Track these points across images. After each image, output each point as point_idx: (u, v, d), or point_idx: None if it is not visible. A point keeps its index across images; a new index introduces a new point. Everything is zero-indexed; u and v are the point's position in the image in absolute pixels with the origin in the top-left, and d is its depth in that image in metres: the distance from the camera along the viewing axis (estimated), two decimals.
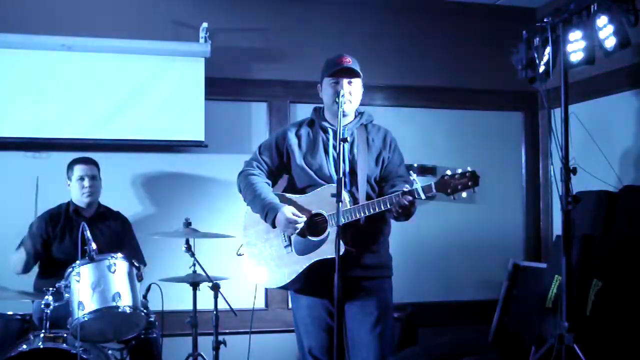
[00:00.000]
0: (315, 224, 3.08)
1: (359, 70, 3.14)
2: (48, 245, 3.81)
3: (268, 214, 3.09)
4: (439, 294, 4.80)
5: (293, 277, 3.08)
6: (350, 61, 3.12)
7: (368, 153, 3.15)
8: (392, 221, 3.17)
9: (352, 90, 3.12)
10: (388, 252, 3.23)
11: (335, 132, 3.13)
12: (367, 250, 3.09)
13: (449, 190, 2.84)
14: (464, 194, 2.84)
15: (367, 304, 3.10)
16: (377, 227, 3.13)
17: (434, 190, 2.86)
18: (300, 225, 3.04)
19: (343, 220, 2.89)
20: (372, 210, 2.94)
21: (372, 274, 3.12)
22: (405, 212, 2.93)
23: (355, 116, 3.23)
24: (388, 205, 2.91)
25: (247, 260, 3.25)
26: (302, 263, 3.06)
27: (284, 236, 3.13)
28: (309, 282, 3.08)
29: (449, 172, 2.86)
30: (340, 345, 2.80)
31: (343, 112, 3.01)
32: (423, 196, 2.85)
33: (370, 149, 3.17)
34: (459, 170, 2.86)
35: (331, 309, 2.98)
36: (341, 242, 2.78)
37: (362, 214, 2.96)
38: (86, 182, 3.83)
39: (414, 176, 2.93)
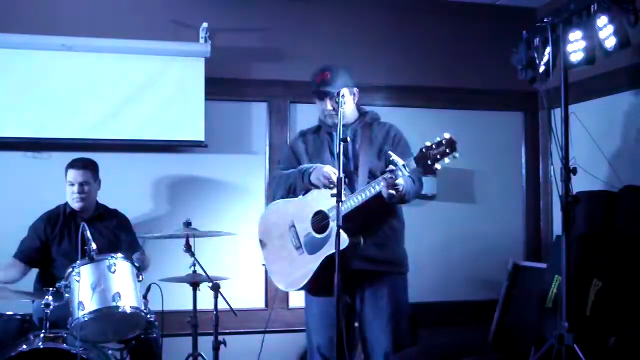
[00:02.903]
0: (319, 222, 3.11)
1: (337, 84, 3.14)
2: (47, 247, 3.79)
3: (304, 174, 3.17)
4: (439, 294, 4.79)
5: (309, 277, 3.12)
6: (325, 78, 3.15)
7: (370, 148, 3.19)
8: (405, 218, 3.21)
9: (336, 104, 3.09)
10: (401, 247, 3.25)
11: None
12: (373, 243, 3.11)
13: (429, 162, 2.83)
14: (446, 161, 2.83)
15: (380, 302, 3.14)
16: (383, 220, 3.15)
17: (414, 164, 2.86)
18: (333, 179, 3.01)
19: (342, 209, 2.90)
20: (365, 195, 2.97)
21: (381, 269, 3.15)
22: (398, 194, 2.93)
23: (358, 117, 3.27)
24: (378, 187, 2.93)
25: (268, 268, 3.37)
26: (314, 262, 3.10)
27: (294, 238, 3.18)
28: (320, 281, 3.10)
29: (427, 143, 2.86)
30: (340, 344, 2.79)
31: (342, 115, 3.01)
32: (406, 172, 2.87)
33: (373, 144, 3.21)
34: (437, 139, 2.85)
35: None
36: (345, 235, 2.80)
37: (357, 201, 2.98)
38: (75, 188, 3.76)
39: (394, 156, 2.90)
